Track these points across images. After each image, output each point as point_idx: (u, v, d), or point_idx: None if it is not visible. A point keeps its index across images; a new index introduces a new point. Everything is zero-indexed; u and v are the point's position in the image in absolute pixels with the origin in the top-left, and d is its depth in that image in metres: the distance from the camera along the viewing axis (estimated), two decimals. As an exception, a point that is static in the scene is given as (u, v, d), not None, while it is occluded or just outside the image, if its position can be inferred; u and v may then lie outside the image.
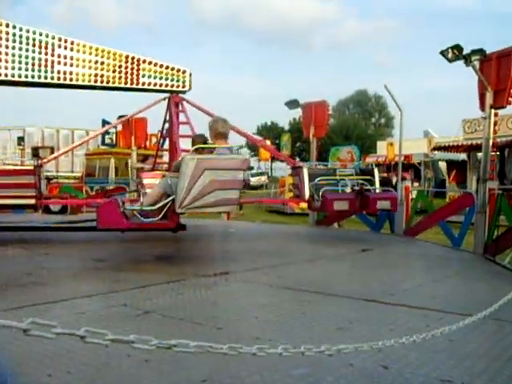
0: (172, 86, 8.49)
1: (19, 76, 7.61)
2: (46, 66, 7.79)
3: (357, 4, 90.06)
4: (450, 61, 6.58)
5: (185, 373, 2.27)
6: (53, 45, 7.83)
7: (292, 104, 10.57)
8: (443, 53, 6.56)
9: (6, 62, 7.54)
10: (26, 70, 7.69)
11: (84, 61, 8.00)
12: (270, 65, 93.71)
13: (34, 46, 7.72)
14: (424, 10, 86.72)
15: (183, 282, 4.35)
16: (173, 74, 8.55)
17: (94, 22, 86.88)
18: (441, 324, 2.73)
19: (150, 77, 8.39)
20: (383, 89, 9.42)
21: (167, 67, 8.53)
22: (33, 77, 7.74)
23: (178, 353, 1.52)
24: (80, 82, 8.03)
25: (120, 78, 8.20)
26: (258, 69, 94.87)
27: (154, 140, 16.53)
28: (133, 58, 8.34)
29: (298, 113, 11.75)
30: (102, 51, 8.16)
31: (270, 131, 51.71)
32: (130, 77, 8.26)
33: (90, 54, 8.07)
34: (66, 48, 7.90)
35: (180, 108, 8.32)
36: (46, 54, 7.78)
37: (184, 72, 8.62)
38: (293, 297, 3.99)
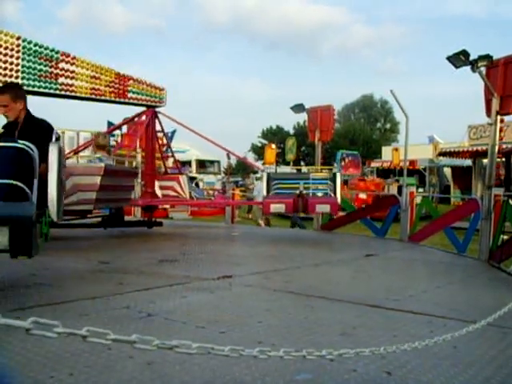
0: (152, 101, 9.86)
1: (27, 86, 8.27)
2: (50, 78, 8.66)
3: (364, 10, 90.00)
4: (457, 66, 6.57)
5: (187, 376, 2.27)
6: (57, 59, 8.69)
7: (297, 108, 10.56)
8: (450, 58, 6.55)
9: (17, 72, 8.27)
10: (33, 80, 8.44)
11: (83, 75, 8.99)
12: (275, 69, 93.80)
13: (40, 59, 8.49)
14: (431, 16, 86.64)
15: (186, 285, 4.36)
16: (153, 91, 9.93)
17: (103, 25, 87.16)
18: (445, 330, 2.72)
19: (134, 92, 9.66)
20: (389, 94, 9.40)
21: (149, 85, 9.85)
22: (39, 87, 8.52)
23: (180, 354, 1.52)
24: (79, 95, 9.03)
25: (111, 92, 9.33)
26: (264, 73, 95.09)
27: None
28: (123, 76, 9.54)
29: (303, 117, 11.76)
30: (98, 67, 9.19)
31: (275, 135, 51.72)
32: (119, 92, 9.45)
33: (88, 69, 9.09)
34: (67, 62, 8.79)
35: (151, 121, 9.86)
36: (51, 67, 8.64)
37: (162, 89, 10.00)
38: (296, 301, 3.98)
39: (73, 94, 8.92)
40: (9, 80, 8.24)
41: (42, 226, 3.40)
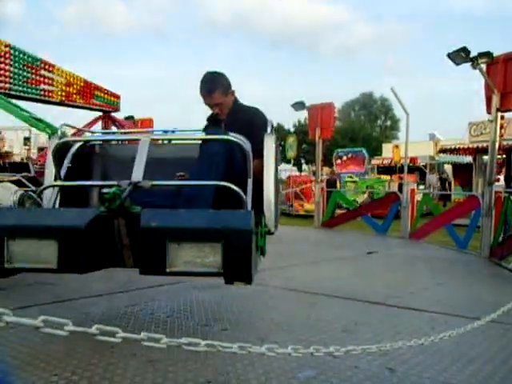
0: (109, 107, 11.12)
1: (15, 91, 9.16)
2: (33, 84, 9.55)
3: (365, 8, 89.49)
4: (457, 64, 6.58)
5: (190, 374, 2.28)
6: (38, 66, 9.54)
7: (298, 106, 10.58)
8: (450, 56, 6.56)
9: (6, 77, 8.95)
10: (21, 86, 9.24)
11: (57, 82, 9.97)
12: (276, 67, 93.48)
13: (24, 66, 9.21)
14: (432, 13, 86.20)
15: (189, 283, 4.36)
16: (110, 98, 11.11)
17: (103, 25, 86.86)
18: (446, 327, 2.72)
19: (96, 99, 10.82)
20: (389, 91, 9.42)
21: (108, 92, 11.01)
22: (25, 93, 9.38)
23: (183, 352, 1.53)
24: (55, 100, 10.03)
25: (81, 98, 10.45)
26: (265, 71, 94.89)
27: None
28: (90, 84, 10.67)
29: (303, 114, 11.79)
30: (70, 75, 10.12)
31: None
32: (86, 98, 10.58)
33: (62, 76, 10.03)
34: (45, 70, 9.65)
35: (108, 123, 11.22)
36: (33, 73, 9.47)
37: (118, 97, 11.24)
38: (298, 299, 3.99)
39: (50, 99, 9.88)
40: (1, 84, 8.79)
41: (258, 238, 2.58)
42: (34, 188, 5.24)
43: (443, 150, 21.05)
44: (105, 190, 2.31)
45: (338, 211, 11.65)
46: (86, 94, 10.48)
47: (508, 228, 6.51)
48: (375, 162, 26.87)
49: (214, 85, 3.24)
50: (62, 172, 2.91)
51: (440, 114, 73.07)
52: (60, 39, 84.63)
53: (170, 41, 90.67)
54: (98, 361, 2.38)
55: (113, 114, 11.31)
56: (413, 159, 21.26)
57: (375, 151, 37.51)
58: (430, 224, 8.71)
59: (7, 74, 9.10)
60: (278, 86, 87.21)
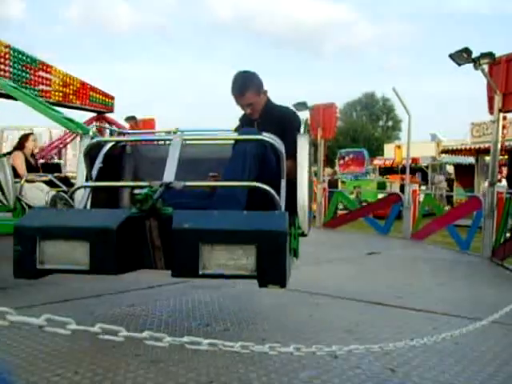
0: (104, 107, 11.38)
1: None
2: (31, 84, 9.65)
3: (367, 8, 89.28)
4: (459, 64, 6.57)
5: (192, 374, 2.28)
6: (36, 67, 9.72)
7: (300, 106, 10.57)
8: (452, 56, 6.56)
9: (5, 77, 8.98)
10: (21, 87, 9.41)
11: (54, 82, 10.18)
12: (277, 66, 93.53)
13: (23, 66, 9.38)
14: (435, 13, 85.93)
15: (190, 283, 4.36)
16: (105, 99, 11.35)
17: (107, 25, 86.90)
18: (448, 328, 2.73)
19: (92, 100, 11.07)
20: (391, 91, 9.42)
21: (102, 93, 11.27)
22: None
23: (185, 352, 1.53)
24: (52, 101, 10.03)
25: (77, 98, 10.71)
26: (266, 70, 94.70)
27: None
28: (86, 85, 10.87)
29: (304, 115, 11.78)
30: (66, 76, 10.31)
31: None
32: (82, 99, 10.82)
33: (59, 77, 10.21)
34: (43, 71, 9.86)
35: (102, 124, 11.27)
36: (31, 74, 9.64)
37: (113, 98, 11.45)
38: (300, 299, 3.99)
39: (48, 100, 9.82)
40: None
41: (291, 240, 2.47)
42: (65, 188, 5.20)
43: (445, 151, 21.04)
44: (136, 191, 2.29)
45: (340, 212, 11.65)
46: (82, 94, 10.65)
47: (510, 229, 6.51)
48: (377, 162, 26.86)
49: (246, 85, 3.18)
50: (94, 172, 2.89)
51: (442, 114, 72.99)
52: (62, 39, 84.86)
53: (174, 41, 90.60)
54: (99, 361, 2.39)
55: (107, 115, 11.58)
56: (414, 160, 21.24)
57: (377, 152, 37.48)
58: (432, 225, 8.71)
59: (7, 74, 9.25)
60: (279, 85, 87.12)
